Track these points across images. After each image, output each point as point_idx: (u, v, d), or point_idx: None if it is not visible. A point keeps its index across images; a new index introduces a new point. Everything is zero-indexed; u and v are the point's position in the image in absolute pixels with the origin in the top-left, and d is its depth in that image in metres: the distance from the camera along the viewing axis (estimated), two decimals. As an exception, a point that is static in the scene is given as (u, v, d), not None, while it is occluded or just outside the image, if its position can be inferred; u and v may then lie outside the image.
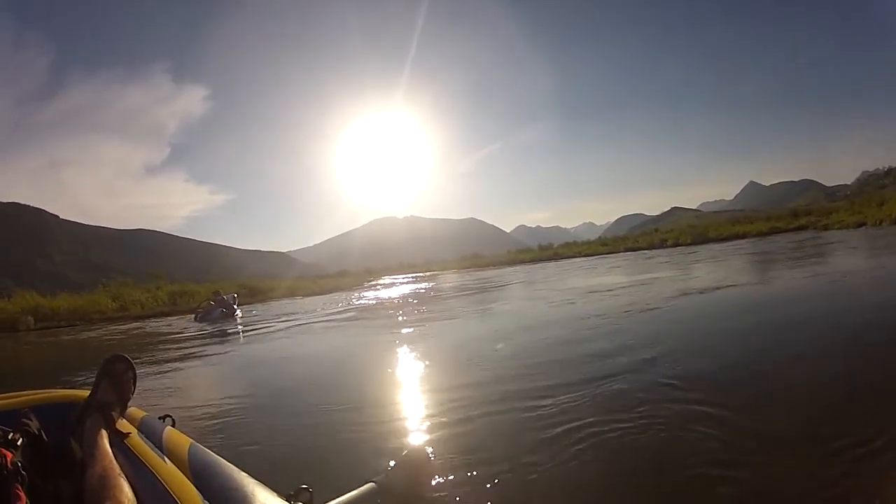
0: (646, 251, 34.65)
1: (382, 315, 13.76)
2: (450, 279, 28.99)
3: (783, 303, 8.37)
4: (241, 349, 10.32)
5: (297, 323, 13.70)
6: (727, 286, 10.75)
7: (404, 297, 19.88)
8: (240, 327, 14.15)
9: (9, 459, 1.53)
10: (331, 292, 27.67)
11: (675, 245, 36.01)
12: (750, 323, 6.97)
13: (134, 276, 32.14)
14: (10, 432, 1.79)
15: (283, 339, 10.94)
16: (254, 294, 27.74)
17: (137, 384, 2.41)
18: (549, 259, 39.96)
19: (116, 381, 2.26)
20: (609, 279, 16.40)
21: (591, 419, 3.69)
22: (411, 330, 9.93)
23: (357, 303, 19.49)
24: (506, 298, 15.15)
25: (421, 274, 41.88)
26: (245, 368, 8.18)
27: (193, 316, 18.05)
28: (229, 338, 12.18)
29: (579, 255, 40.36)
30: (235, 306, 18.35)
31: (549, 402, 4.18)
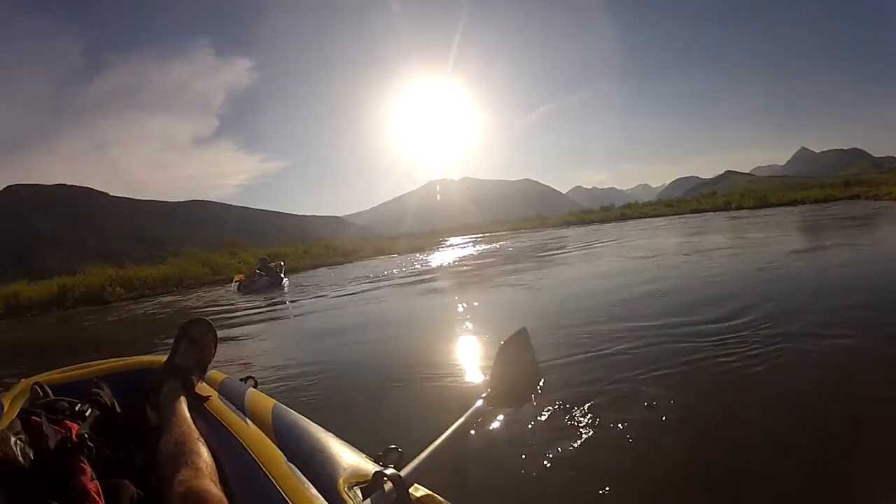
0: (710, 213, 34.39)
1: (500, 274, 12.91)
2: (524, 238, 28.24)
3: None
4: (309, 316, 10.04)
5: (378, 286, 13.46)
6: (837, 245, 10.91)
7: (497, 255, 19.28)
8: (287, 297, 13.78)
9: (74, 432, 1.51)
10: (407, 253, 27.22)
11: (739, 208, 35.32)
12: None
13: (195, 246, 32.12)
14: (77, 403, 1.79)
15: (366, 304, 10.60)
16: (345, 255, 27.33)
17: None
18: (616, 220, 39.27)
19: (195, 344, 2.22)
20: (704, 239, 16.11)
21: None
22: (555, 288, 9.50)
23: (445, 264, 18.44)
24: (613, 255, 14.26)
25: (488, 234, 41.55)
26: (323, 332, 7.98)
27: (236, 286, 17.24)
28: (286, 306, 11.98)
29: (644, 216, 39.80)
30: (283, 275, 17.49)
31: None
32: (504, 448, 3.00)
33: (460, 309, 8.22)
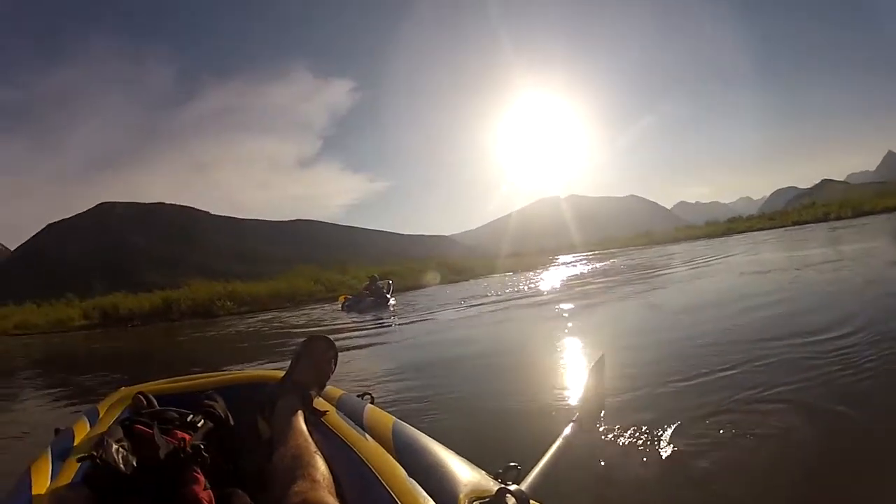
0: (811, 224, 34.28)
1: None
2: (634, 256, 27.84)
3: None
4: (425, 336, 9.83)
5: (490, 305, 13.00)
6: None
7: (609, 273, 18.65)
8: (394, 317, 13.26)
9: (187, 442, 1.59)
10: (519, 271, 26.67)
11: (838, 218, 34.81)
12: None
13: (302, 264, 32.22)
14: (188, 414, 1.90)
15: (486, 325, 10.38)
16: (458, 272, 27.04)
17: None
18: (722, 235, 39.30)
19: (315, 360, 2.27)
20: (811, 252, 15.78)
21: None
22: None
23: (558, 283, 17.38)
24: (725, 271, 13.89)
25: (597, 252, 41.14)
26: (430, 352, 8.01)
27: (341, 305, 16.94)
28: (392, 326, 11.63)
29: (749, 229, 39.73)
30: (389, 294, 16.77)
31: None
32: (606, 463, 3.02)
33: (576, 328, 8.25)
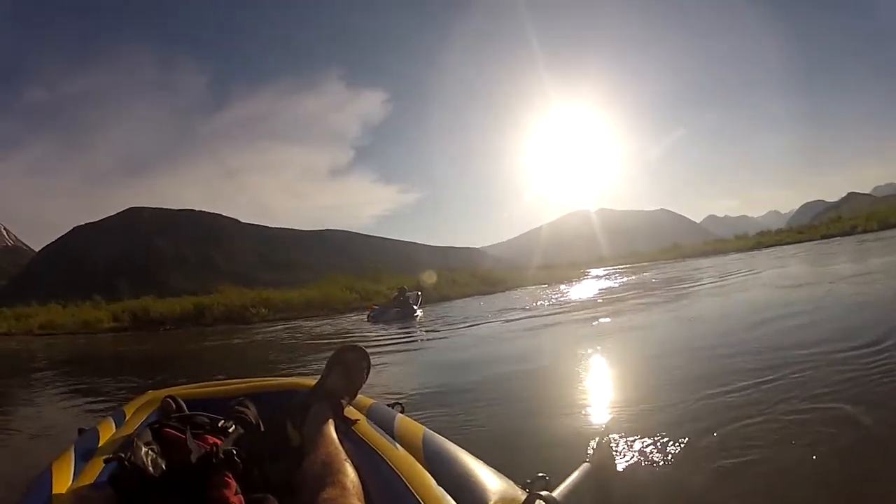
0: (838, 237, 34.40)
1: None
2: (666, 269, 27.69)
3: None
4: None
5: (523, 318, 12.66)
6: None
7: (641, 286, 18.36)
8: (420, 328, 13.31)
9: (219, 447, 1.58)
10: (552, 283, 26.26)
11: (864, 231, 35.19)
12: None
13: (331, 272, 31.84)
14: (219, 420, 1.92)
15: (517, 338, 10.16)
16: (491, 284, 26.73)
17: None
18: (752, 248, 39.22)
19: (348, 369, 2.29)
20: (841, 265, 15.89)
21: None
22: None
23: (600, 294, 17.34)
24: (759, 285, 13.72)
25: (628, 265, 41.20)
26: (456, 365, 7.83)
27: (367, 315, 16.67)
28: (416, 338, 11.63)
29: (778, 243, 39.81)
30: (415, 306, 16.78)
31: None
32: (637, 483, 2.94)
33: (614, 344, 8.04)
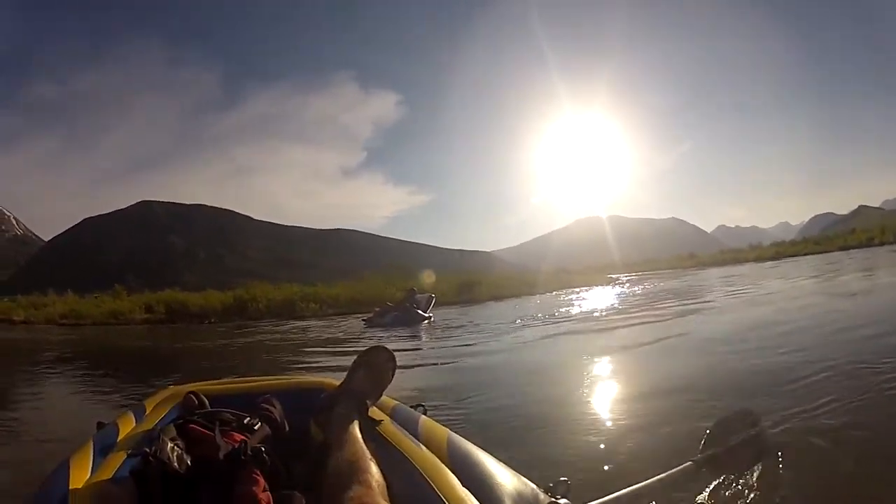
0: (855, 249, 35.09)
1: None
2: (688, 278, 26.71)
3: None
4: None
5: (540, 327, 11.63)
6: None
7: (667, 293, 17.98)
8: (427, 335, 12.28)
9: (247, 444, 1.60)
10: (567, 288, 25.57)
11: (881, 244, 35.89)
12: None
13: (339, 273, 31.28)
14: (245, 417, 1.92)
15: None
16: (504, 289, 25.41)
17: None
18: (769, 259, 39.43)
19: (374, 371, 2.28)
20: (865, 275, 16.39)
21: None
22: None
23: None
24: (787, 295, 13.40)
25: (647, 272, 41.16)
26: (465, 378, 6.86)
27: (366, 320, 15.10)
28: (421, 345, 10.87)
29: (797, 254, 40.00)
30: (419, 309, 15.22)
31: None
32: None
33: (638, 352, 7.68)
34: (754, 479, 2.77)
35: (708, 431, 2.76)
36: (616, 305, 15.92)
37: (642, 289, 21.93)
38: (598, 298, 19.25)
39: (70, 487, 1.46)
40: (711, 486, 2.68)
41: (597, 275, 35.48)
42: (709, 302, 13.62)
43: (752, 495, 2.67)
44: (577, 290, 24.92)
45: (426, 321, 14.65)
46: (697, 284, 21.09)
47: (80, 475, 1.54)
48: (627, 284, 26.32)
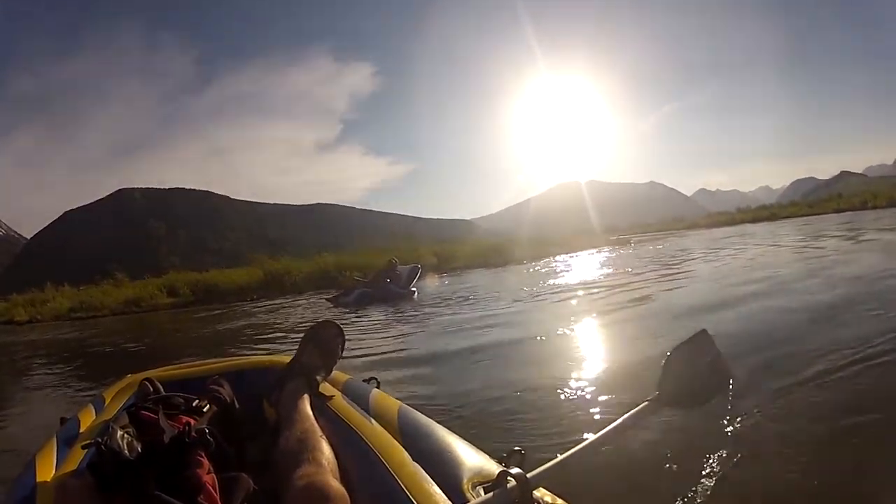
0: (848, 212, 35.41)
1: None
2: (690, 240, 25.81)
3: None
4: None
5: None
6: None
7: (657, 256, 17.75)
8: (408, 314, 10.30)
9: (192, 426, 1.56)
10: (550, 256, 23.72)
11: (874, 207, 36.69)
12: None
13: (320, 249, 29.71)
14: (193, 399, 1.91)
15: None
16: (491, 256, 24.94)
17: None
18: (761, 220, 40.85)
19: (323, 346, 2.28)
20: (868, 238, 15.24)
21: None
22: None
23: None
24: (789, 257, 12.91)
25: (630, 235, 40.09)
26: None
27: (331, 299, 13.53)
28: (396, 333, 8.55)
29: (792, 216, 41.30)
30: (401, 285, 13.14)
31: None
32: (664, 458, 2.67)
33: (627, 311, 7.65)
34: (714, 409, 2.82)
35: (664, 363, 2.17)
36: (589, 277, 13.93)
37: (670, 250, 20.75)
38: (627, 260, 18.61)
39: (37, 481, 1.52)
40: (667, 425, 2.79)
41: (566, 243, 30.11)
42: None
43: (710, 427, 2.85)
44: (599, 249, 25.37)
45: (411, 295, 12.77)
46: (703, 247, 19.79)
47: (46, 471, 1.59)
48: (605, 251, 25.12)
